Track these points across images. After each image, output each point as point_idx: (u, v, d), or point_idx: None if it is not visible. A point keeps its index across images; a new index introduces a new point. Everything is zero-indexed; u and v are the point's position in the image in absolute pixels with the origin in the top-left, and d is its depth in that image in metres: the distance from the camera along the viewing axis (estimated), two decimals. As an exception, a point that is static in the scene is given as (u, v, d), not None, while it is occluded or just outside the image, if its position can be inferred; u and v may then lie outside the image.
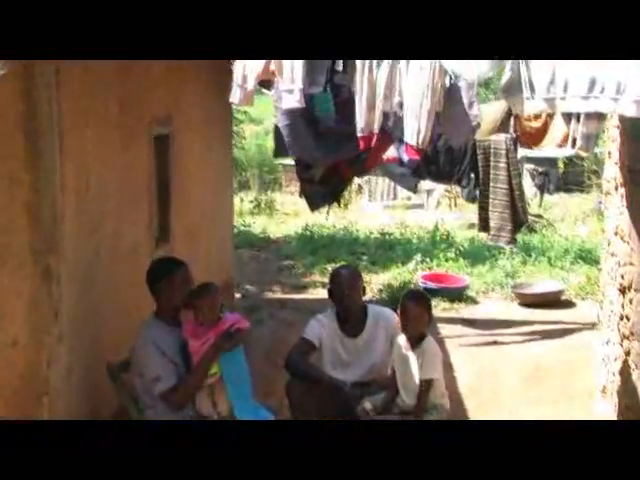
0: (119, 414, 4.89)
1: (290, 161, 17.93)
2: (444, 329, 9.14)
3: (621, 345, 5.66)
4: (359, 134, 4.94)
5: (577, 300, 10.74)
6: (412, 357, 4.88)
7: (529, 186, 20.73)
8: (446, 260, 12.86)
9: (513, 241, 8.84)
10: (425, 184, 13.17)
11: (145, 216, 6.33)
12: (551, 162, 22.97)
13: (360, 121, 4.85)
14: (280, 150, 6.45)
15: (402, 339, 4.98)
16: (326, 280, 11.93)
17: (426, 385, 4.82)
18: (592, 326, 8.89)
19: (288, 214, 20.41)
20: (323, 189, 7.93)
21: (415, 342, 4.88)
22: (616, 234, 5.80)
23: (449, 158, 8.45)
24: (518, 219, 8.68)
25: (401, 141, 5.92)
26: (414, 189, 9.55)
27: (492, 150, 8.51)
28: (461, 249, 13.62)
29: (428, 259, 12.82)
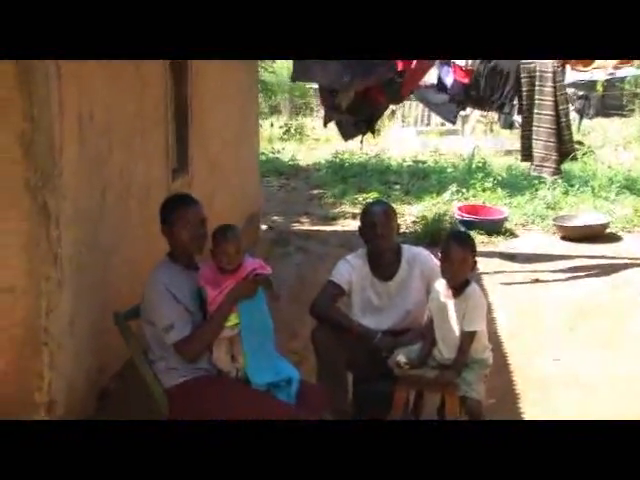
0: (128, 367, 4.47)
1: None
2: (481, 264, 8.62)
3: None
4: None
5: (623, 233, 10.17)
6: (452, 306, 4.37)
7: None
8: (483, 190, 12.30)
9: (558, 172, 8.32)
10: (460, 109, 12.57)
11: (160, 146, 5.81)
12: (590, 86, 22.03)
13: (399, 37, 4.27)
14: (300, 73, 5.90)
15: (441, 285, 4.47)
16: (356, 211, 11.53)
17: (468, 338, 4.32)
18: (642, 262, 8.41)
19: (318, 140, 19.83)
20: (353, 117, 7.34)
21: (457, 289, 4.36)
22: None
23: (491, 83, 7.84)
24: (564, 148, 8.15)
25: (442, 63, 5.35)
26: (454, 119, 8.94)
27: (537, 74, 7.92)
28: (499, 178, 13.01)
29: (464, 189, 12.25)
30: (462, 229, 9.76)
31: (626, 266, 8.63)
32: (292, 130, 20.83)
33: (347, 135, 8.06)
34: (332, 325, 4.77)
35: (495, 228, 10.12)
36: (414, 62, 4.30)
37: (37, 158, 3.96)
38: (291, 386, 4.17)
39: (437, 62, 5.54)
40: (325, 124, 7.84)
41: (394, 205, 5.33)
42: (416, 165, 14.85)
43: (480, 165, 14.16)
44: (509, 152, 16.42)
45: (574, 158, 9.76)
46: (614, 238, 9.99)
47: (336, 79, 5.61)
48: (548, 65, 7.82)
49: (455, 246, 4.39)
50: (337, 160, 15.16)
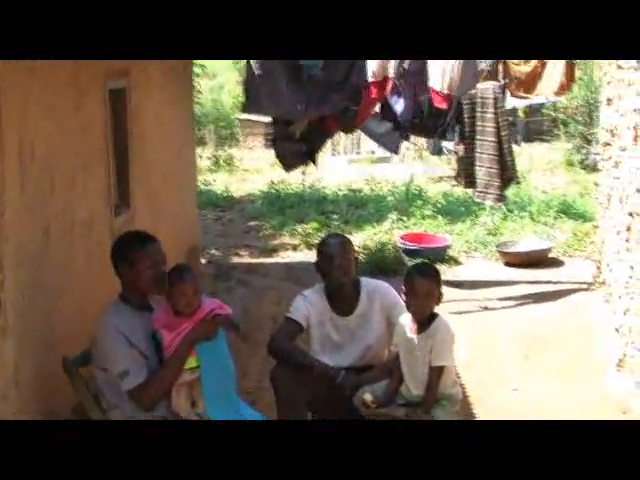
0: (77, 413, 4.19)
1: (248, 116, 17.09)
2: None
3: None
4: (370, 79, 4.20)
5: (565, 258, 10.19)
6: (419, 340, 4.21)
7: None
8: (423, 218, 12.23)
9: (502, 198, 8.28)
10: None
11: (102, 182, 5.57)
12: (514, 112, 22.26)
13: (371, 63, 4.09)
14: (252, 108, 5.71)
15: (407, 319, 4.31)
16: (296, 242, 11.35)
17: (437, 373, 4.15)
18: (587, 287, 8.39)
19: (248, 170, 19.59)
20: (302, 147, 7.17)
21: (424, 323, 4.21)
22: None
23: (433, 110, 7.75)
24: (507, 175, 8.12)
25: (398, 93, 5.20)
26: (396, 149, 8.84)
27: (479, 100, 7.88)
28: (438, 206, 12.97)
29: (404, 217, 12.16)
30: (406, 258, 9.66)
31: (572, 291, 8.61)
32: (220, 161, 20.55)
33: (289, 166, 7.90)
34: (291, 364, 4.56)
35: (439, 256, 10.02)
36: (388, 87, 4.15)
37: (-22, 199, 3.70)
38: (254, 431, 3.97)
39: (388, 91, 5.38)
40: (277, 155, 7.65)
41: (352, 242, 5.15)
42: (352, 194, 14.76)
43: (416, 192, 14.11)
44: (440, 178, 16.47)
45: (517, 183, 9.82)
46: (556, 263, 9.98)
47: (290, 109, 5.44)
48: (489, 91, 7.79)
49: (419, 279, 4.24)
50: (273, 191, 14.96)
